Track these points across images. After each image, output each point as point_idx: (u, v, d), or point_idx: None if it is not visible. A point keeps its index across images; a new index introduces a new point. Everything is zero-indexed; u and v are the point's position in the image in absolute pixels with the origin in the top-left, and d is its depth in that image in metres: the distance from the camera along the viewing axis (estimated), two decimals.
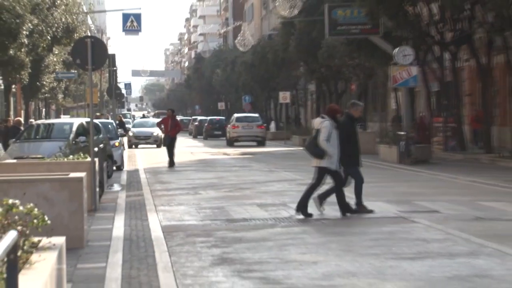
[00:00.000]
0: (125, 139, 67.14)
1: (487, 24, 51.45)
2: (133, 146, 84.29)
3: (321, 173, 25.37)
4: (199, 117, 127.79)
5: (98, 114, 63.08)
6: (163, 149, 63.83)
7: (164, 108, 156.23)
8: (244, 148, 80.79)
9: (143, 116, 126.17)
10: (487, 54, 54.44)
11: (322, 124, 25.16)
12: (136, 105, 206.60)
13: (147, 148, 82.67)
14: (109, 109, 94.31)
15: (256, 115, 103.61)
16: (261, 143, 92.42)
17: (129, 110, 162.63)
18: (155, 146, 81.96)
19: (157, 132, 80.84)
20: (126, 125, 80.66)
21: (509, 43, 50.41)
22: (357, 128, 28.06)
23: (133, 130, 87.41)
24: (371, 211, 25.69)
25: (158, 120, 66.28)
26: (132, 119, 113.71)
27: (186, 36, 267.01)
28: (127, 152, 61.43)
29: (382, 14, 57.08)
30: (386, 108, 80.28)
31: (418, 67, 57.78)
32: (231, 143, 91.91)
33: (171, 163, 51.42)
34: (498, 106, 58.31)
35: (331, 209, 27.39)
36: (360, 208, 25.63)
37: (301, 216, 25.18)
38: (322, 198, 25.60)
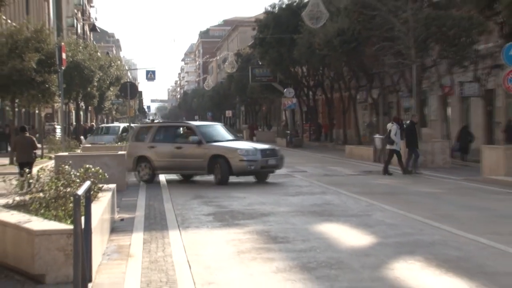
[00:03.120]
0: None
1: (331, 77, 51.50)
2: None
3: (391, 152, 24.83)
4: None
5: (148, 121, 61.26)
6: None
7: (173, 120, 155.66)
8: None
9: (152, 121, 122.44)
10: (330, 93, 54.53)
11: (392, 127, 24.75)
12: (152, 117, 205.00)
13: None
14: (139, 119, 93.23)
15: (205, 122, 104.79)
16: None
17: (149, 119, 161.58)
18: None
19: None
20: None
21: (342, 88, 50.51)
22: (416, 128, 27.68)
23: None
24: (421, 174, 24.38)
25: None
26: None
27: (178, 82, 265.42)
28: None
29: (278, 72, 57.08)
30: (280, 119, 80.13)
31: (296, 98, 57.99)
32: None
33: None
34: (336, 118, 58.39)
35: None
36: (413, 171, 24.64)
37: (387, 175, 24.15)
38: (405, 169, 24.61)
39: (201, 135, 21.87)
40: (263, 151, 21.84)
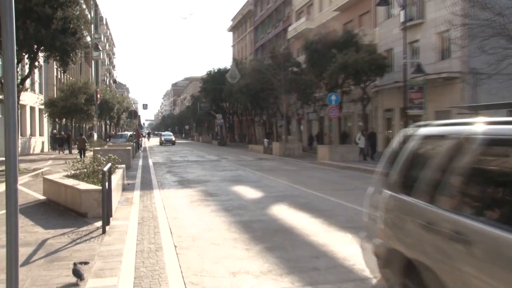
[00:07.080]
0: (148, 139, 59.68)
1: (241, 109, 50.92)
2: (162, 144, 53.53)
3: (360, 149, 21.57)
4: (162, 133, 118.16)
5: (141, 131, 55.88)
6: (167, 145, 60.56)
7: (157, 131, 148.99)
8: (181, 140, 70.99)
9: (149, 133, 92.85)
10: (241, 117, 54.23)
11: (358, 135, 22.19)
12: (146, 129, 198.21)
13: (168, 145, 53.05)
14: (137, 130, 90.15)
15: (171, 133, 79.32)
16: (173, 143, 56.31)
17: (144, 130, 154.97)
18: (171, 144, 53.00)
19: (173, 138, 55.87)
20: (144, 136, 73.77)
21: (247, 114, 50.23)
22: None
23: (162, 137, 55.73)
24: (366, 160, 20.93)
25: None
26: (147, 135, 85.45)
27: (160, 110, 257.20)
28: (148, 143, 57.82)
29: (213, 105, 56.24)
30: (215, 130, 79.00)
31: (223, 120, 57.42)
32: (161, 143, 54.70)
33: (138, 148, 36.83)
34: (244, 131, 57.88)
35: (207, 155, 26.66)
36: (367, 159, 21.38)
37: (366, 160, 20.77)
38: (365, 158, 21.36)
39: None
40: None
